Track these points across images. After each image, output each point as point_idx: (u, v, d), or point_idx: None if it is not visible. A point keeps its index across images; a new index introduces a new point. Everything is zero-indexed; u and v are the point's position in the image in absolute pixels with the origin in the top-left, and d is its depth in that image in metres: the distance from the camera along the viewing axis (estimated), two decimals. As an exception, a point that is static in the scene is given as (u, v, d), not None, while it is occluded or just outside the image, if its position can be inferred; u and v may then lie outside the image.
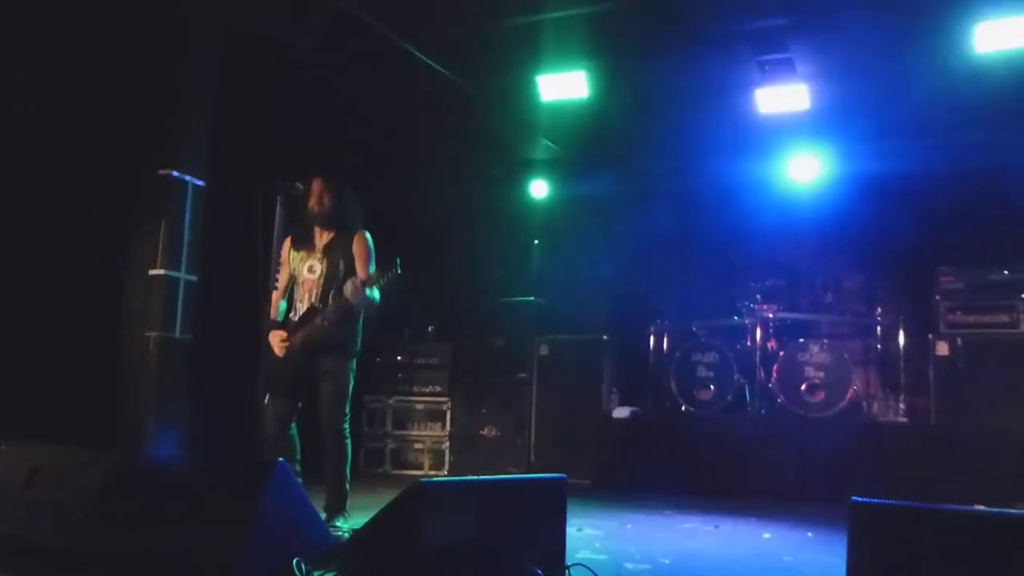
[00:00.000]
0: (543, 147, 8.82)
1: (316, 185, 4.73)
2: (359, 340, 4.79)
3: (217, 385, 5.81)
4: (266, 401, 4.52)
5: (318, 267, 4.70)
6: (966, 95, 6.52)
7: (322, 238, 4.79)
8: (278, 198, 4.38)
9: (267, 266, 4.40)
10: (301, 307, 4.68)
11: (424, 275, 8.42)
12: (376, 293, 4.55)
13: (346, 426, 4.65)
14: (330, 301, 4.58)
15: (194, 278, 5.71)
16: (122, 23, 5.44)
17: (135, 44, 5.53)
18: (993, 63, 5.99)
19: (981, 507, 4.83)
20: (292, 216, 4.62)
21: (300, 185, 4.52)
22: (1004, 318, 6.54)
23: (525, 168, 9.28)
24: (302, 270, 4.73)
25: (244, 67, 6.07)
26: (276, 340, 4.60)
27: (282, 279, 4.74)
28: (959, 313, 6.75)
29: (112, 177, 5.50)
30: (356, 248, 4.72)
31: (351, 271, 4.66)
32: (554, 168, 9.19)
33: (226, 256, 5.94)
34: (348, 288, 4.44)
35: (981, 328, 6.57)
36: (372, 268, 4.67)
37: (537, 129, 8.31)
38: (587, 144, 8.56)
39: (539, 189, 9.26)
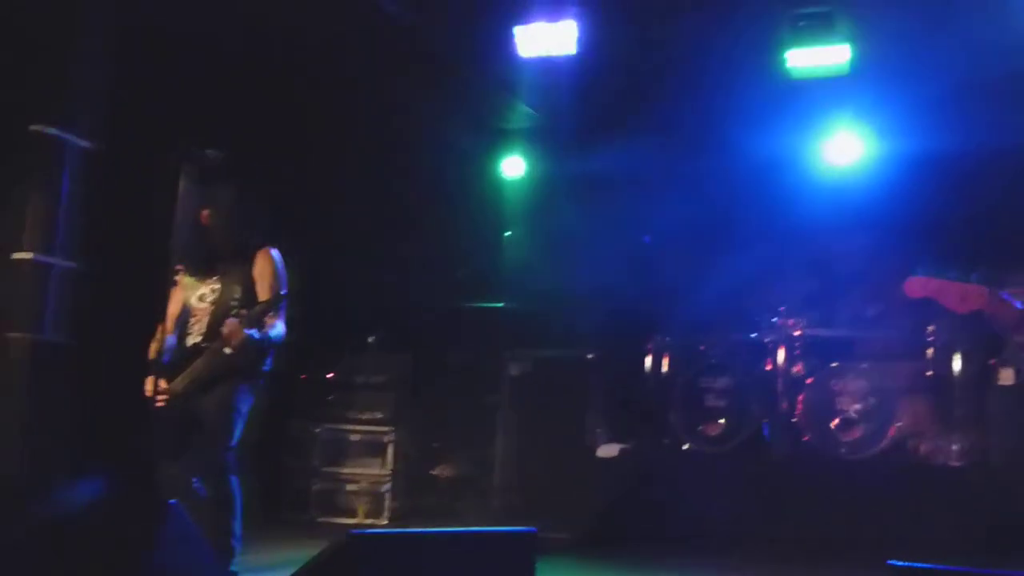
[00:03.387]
0: (520, 114, 8.81)
1: (204, 216, 4.77)
2: (263, 368, 4.81)
3: (101, 401, 5.73)
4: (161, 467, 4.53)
5: (210, 295, 4.78)
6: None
7: (219, 261, 4.86)
8: (184, 168, 4.36)
9: (167, 252, 4.38)
10: (188, 343, 4.73)
11: (365, 271, 8.43)
12: (276, 329, 4.61)
13: (227, 458, 4.62)
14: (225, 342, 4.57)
15: (73, 265, 5.61)
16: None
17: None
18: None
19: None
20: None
21: (213, 153, 4.51)
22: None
23: (497, 140, 9.27)
24: (192, 298, 4.80)
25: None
26: (152, 389, 4.58)
27: (172, 307, 4.77)
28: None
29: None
30: (258, 269, 4.79)
31: (251, 298, 4.69)
32: (532, 141, 9.18)
33: (116, 239, 5.91)
34: (226, 330, 4.47)
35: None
36: (281, 298, 4.71)
37: (513, 91, 8.29)
38: (573, 113, 8.55)
39: (514, 167, 9.25)
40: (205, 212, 4.76)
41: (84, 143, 5.68)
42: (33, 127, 5.51)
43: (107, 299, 5.94)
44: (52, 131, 5.52)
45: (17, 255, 5.44)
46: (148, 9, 6.00)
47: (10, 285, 5.45)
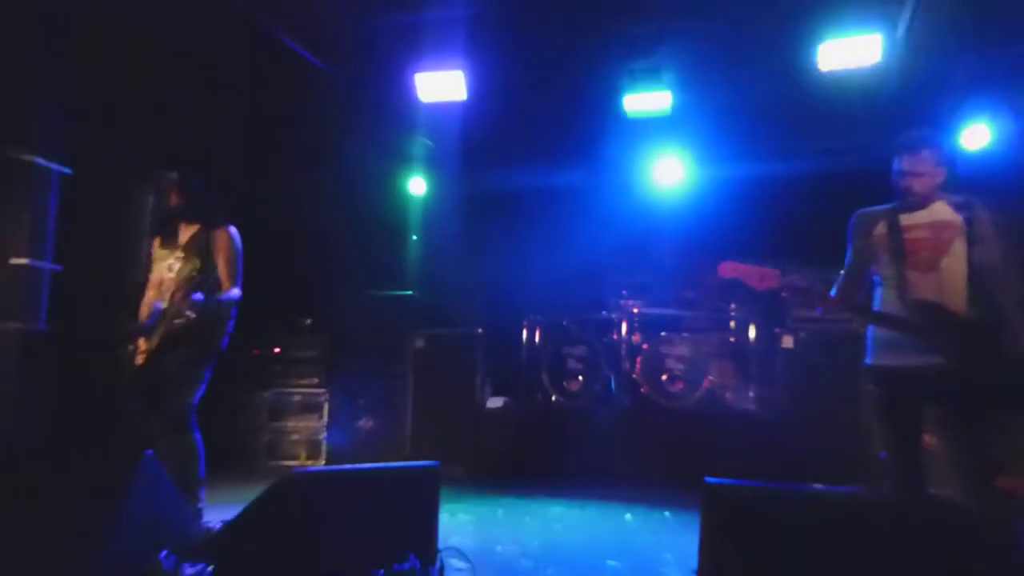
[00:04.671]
0: (421, 145, 8.81)
1: (168, 184, 4.57)
2: (221, 334, 4.59)
3: (79, 382, 5.55)
4: (137, 412, 4.31)
5: (176, 266, 4.52)
6: (811, 107, 6.95)
7: (185, 234, 4.60)
8: (150, 187, 4.24)
9: (134, 259, 4.26)
10: (161, 308, 4.50)
11: (300, 268, 8.31)
12: (231, 293, 4.41)
13: (188, 415, 4.38)
14: (178, 307, 4.35)
15: (59, 268, 5.42)
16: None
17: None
18: (835, 80, 6.41)
19: (819, 486, 5.15)
20: (164, 209, 4.47)
21: (175, 175, 4.39)
22: (841, 313, 6.88)
23: (404, 164, 9.22)
24: (163, 269, 4.56)
25: (113, 51, 5.79)
26: (140, 348, 4.39)
27: (155, 275, 4.56)
28: (804, 309, 7.09)
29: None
30: (217, 245, 4.53)
31: (211, 271, 4.47)
32: (432, 166, 9.18)
33: (94, 247, 5.71)
34: (180, 295, 4.29)
35: (822, 323, 6.89)
36: (236, 268, 4.49)
37: (415, 127, 8.29)
38: (463, 145, 8.59)
39: (417, 186, 9.24)
40: (169, 185, 4.53)
41: (65, 170, 5.46)
42: (23, 157, 5.25)
43: (86, 295, 5.74)
44: (39, 161, 5.27)
45: (14, 260, 5.21)
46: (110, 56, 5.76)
47: (9, 285, 5.21)
